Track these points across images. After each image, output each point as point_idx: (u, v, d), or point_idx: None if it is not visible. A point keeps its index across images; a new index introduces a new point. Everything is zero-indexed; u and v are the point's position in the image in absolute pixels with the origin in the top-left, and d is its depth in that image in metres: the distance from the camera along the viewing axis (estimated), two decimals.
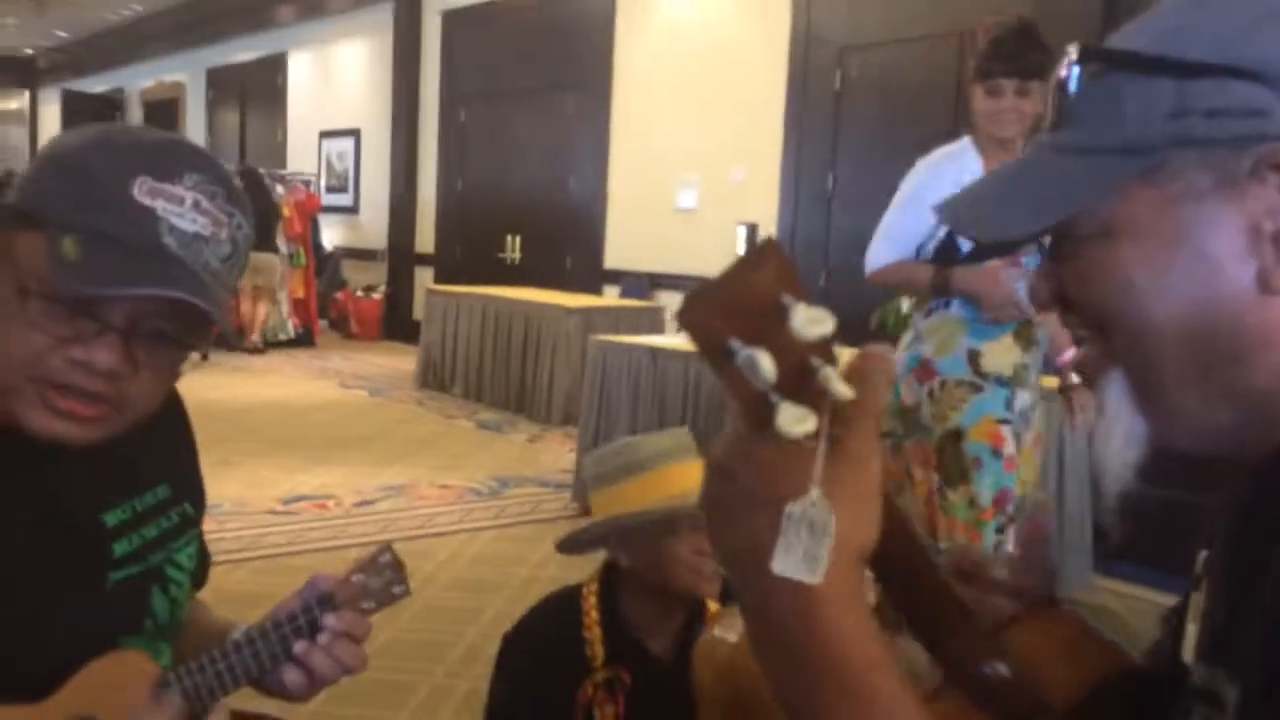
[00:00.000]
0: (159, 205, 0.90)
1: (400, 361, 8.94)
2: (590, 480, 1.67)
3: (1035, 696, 0.68)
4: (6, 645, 0.93)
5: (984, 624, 0.69)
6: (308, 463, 5.39)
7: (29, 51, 17.54)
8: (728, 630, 1.22)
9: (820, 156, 6.72)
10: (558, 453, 5.92)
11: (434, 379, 7.78)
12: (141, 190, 0.90)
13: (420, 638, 3.16)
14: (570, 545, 1.64)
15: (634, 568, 1.58)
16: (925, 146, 2.86)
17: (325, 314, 10.65)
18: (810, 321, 0.53)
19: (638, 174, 8.04)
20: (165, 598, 1.10)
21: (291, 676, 1.07)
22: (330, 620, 1.07)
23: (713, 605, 1.61)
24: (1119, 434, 0.66)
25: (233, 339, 0.97)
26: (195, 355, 1.00)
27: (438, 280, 9.50)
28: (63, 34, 15.94)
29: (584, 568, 1.75)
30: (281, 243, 9.46)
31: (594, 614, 1.60)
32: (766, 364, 0.52)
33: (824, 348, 0.54)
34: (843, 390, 0.54)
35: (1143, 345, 0.64)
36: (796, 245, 6.84)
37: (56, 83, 17.14)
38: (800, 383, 0.53)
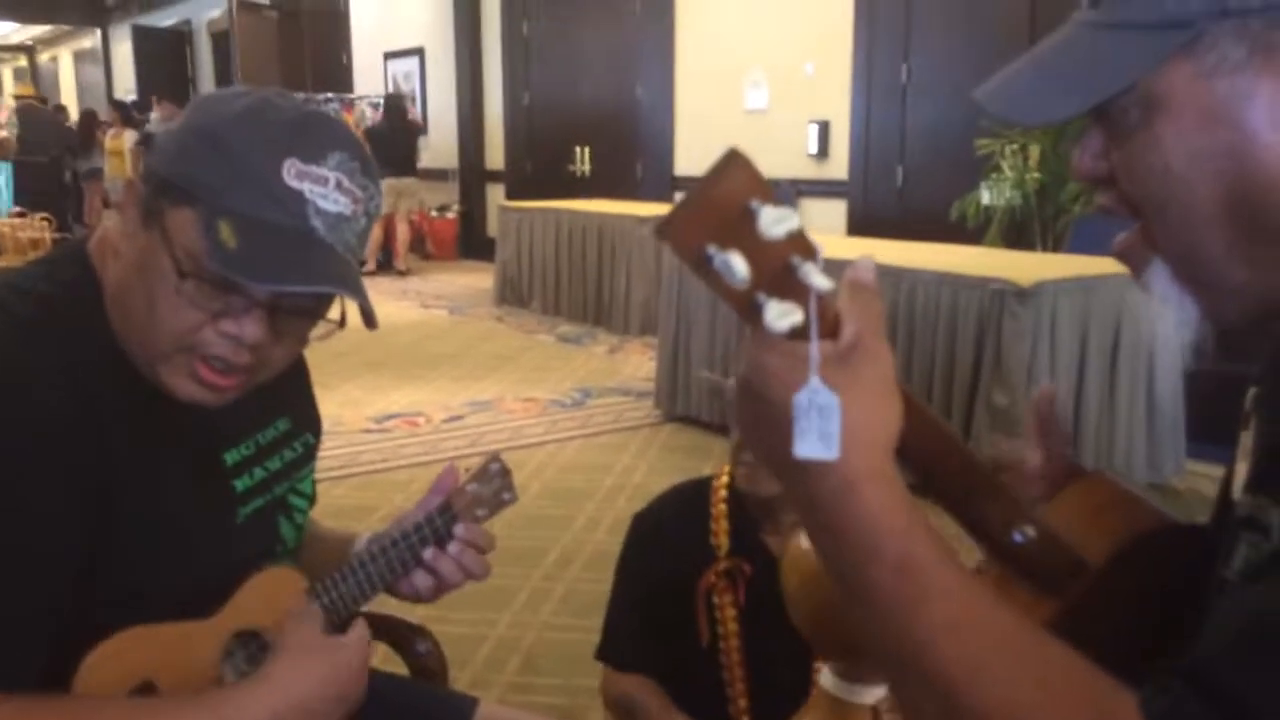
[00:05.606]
0: (306, 187, 0.93)
1: (478, 279, 9.05)
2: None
3: (1069, 557, 0.70)
4: (169, 576, 1.01)
5: (1013, 493, 0.70)
6: (397, 381, 5.55)
7: None
8: None
9: (893, 47, 6.52)
10: (638, 362, 5.98)
11: (512, 295, 7.88)
12: (290, 173, 0.92)
13: (518, 544, 3.27)
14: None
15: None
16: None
17: None
18: (775, 221, 0.55)
19: (705, 76, 7.90)
20: (291, 524, 1.18)
21: (421, 581, 1.17)
22: (460, 530, 1.17)
23: None
24: (1170, 318, 0.67)
25: (370, 320, 0.99)
26: (333, 324, 1.05)
27: (509, 196, 9.52)
28: None
29: (671, 475, 1.79)
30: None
31: (722, 505, 1.58)
32: (739, 264, 0.55)
33: (802, 245, 0.57)
34: (823, 282, 0.57)
35: (1185, 234, 0.64)
36: (870, 140, 6.69)
37: (126, 19, 17.37)
38: (784, 280, 0.57)
